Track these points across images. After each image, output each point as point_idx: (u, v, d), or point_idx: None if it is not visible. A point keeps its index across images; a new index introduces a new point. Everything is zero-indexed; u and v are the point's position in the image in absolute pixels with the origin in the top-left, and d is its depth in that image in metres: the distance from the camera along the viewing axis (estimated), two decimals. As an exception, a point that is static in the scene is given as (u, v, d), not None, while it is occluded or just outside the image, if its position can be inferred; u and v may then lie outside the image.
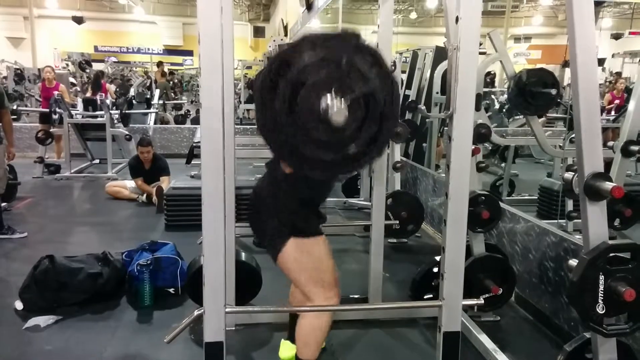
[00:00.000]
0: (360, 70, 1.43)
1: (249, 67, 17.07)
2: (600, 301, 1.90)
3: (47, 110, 7.68)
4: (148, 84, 12.82)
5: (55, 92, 7.64)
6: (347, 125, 1.43)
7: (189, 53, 27.63)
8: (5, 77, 14.31)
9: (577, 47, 1.86)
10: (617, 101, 9.11)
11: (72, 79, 14.77)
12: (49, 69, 8.37)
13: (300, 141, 1.47)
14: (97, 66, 16.66)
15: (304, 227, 2.18)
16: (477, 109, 3.01)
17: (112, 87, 12.19)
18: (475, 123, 3.06)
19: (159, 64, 15.49)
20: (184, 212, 5.01)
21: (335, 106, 1.36)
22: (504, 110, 8.91)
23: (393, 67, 3.22)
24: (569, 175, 2.07)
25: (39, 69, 12.33)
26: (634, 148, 2.73)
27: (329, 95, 1.41)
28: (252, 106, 12.46)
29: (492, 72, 11.32)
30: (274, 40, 7.37)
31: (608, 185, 1.85)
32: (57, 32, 25.78)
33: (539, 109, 3.66)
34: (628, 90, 9.16)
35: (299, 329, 2.26)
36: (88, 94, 10.67)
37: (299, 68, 1.42)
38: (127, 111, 8.76)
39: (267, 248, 2.23)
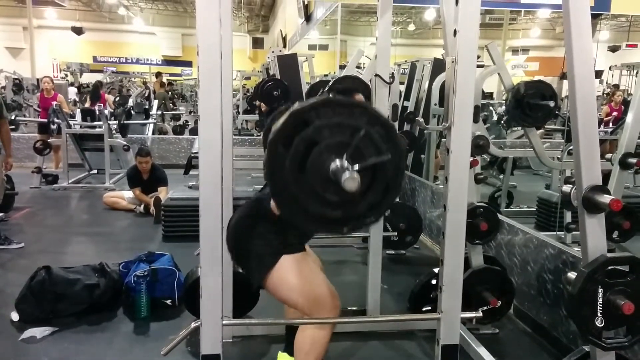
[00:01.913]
0: (374, 140, 1.48)
1: (248, 78, 17.13)
2: (599, 314, 1.89)
3: (46, 120, 7.68)
4: (146, 95, 12.85)
5: (54, 102, 7.64)
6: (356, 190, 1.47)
7: (188, 64, 27.71)
8: (3, 87, 14.33)
9: (575, 59, 1.87)
10: (614, 113, 9.14)
11: (73, 89, 14.80)
12: (47, 79, 8.39)
13: (306, 198, 1.51)
14: (95, 76, 16.71)
15: (293, 242, 2.14)
16: (476, 120, 3.02)
17: (110, 98, 12.21)
18: (474, 135, 3.06)
19: (158, 74, 15.54)
20: (181, 223, 4.99)
21: (349, 172, 1.40)
22: (502, 122, 8.93)
23: (391, 79, 3.23)
24: (567, 187, 2.08)
25: (37, 79, 12.36)
26: (632, 160, 2.73)
27: (339, 160, 1.45)
28: (250, 117, 12.50)
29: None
30: (273, 52, 7.41)
31: (606, 198, 1.85)
32: (56, 43, 25.88)
33: (537, 120, 3.67)
34: (626, 102, 9.20)
35: (298, 341, 2.20)
36: (87, 104, 10.70)
37: (315, 128, 1.45)
38: (125, 121, 8.75)
39: (252, 275, 2.16)
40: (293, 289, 2.10)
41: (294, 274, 2.09)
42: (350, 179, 1.39)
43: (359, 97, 2.41)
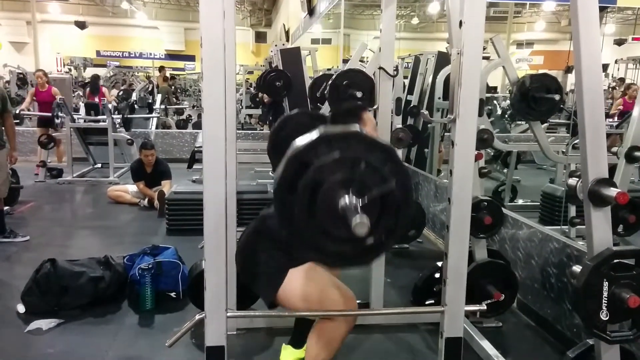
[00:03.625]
0: (376, 168, 1.46)
1: (251, 72, 17.10)
2: (604, 308, 1.88)
3: (44, 114, 7.68)
4: (150, 89, 12.85)
5: (58, 97, 7.64)
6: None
7: (191, 58, 27.67)
8: (8, 82, 14.35)
9: (582, 52, 1.86)
10: (620, 107, 9.09)
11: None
12: (40, 74, 8.25)
13: (320, 238, 1.51)
14: (99, 71, 16.70)
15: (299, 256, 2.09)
16: (480, 114, 3.01)
17: (108, 91, 12.09)
18: (478, 128, 3.05)
19: (161, 68, 15.52)
20: (185, 217, 5.01)
21: (358, 217, 1.38)
22: (506, 116, 8.91)
23: (395, 72, 3.22)
24: (573, 181, 2.07)
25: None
26: (638, 154, 2.71)
27: (347, 196, 1.43)
28: (253, 111, 12.49)
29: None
30: (276, 45, 7.40)
31: (613, 191, 1.84)
32: (60, 37, 25.86)
33: (542, 114, 3.66)
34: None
35: (314, 337, 2.14)
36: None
37: (315, 169, 1.44)
38: (129, 116, 8.76)
39: (263, 293, 2.15)
40: (306, 299, 2.06)
41: (304, 284, 2.06)
42: (360, 224, 1.37)
43: (367, 114, 2.35)
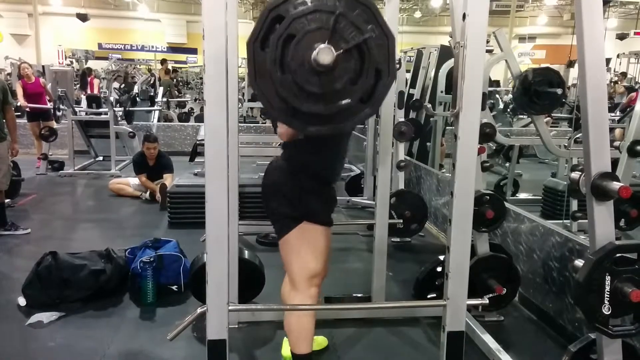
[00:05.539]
0: (353, 21, 1.39)
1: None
2: (606, 302, 1.88)
3: (36, 105, 7.64)
4: (152, 82, 12.82)
5: (60, 89, 7.61)
6: (340, 75, 1.40)
7: (193, 51, 27.61)
8: (9, 74, 14.31)
9: (586, 47, 1.84)
10: (624, 100, 9.05)
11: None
12: (26, 65, 8.08)
13: (294, 96, 1.45)
14: (101, 63, 16.68)
15: (318, 210, 2.22)
16: (482, 108, 2.99)
17: (114, 84, 11.97)
18: (480, 122, 3.04)
19: (163, 61, 15.46)
20: (187, 210, 5.01)
21: (321, 46, 1.33)
22: (509, 110, 8.90)
23: (398, 66, 3.21)
24: (575, 175, 2.06)
25: (43, 66, 12.31)
26: (641, 148, 2.71)
27: (320, 45, 1.37)
28: (255, 104, 12.46)
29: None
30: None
31: (615, 185, 1.83)
32: (61, 29, 25.79)
33: (545, 108, 3.65)
34: (631, 90, 9.10)
35: (288, 325, 2.30)
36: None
37: (289, 20, 1.37)
38: (130, 108, 8.75)
39: (276, 226, 2.28)
40: (298, 255, 2.22)
41: (305, 241, 2.20)
42: (324, 50, 1.31)
43: None
